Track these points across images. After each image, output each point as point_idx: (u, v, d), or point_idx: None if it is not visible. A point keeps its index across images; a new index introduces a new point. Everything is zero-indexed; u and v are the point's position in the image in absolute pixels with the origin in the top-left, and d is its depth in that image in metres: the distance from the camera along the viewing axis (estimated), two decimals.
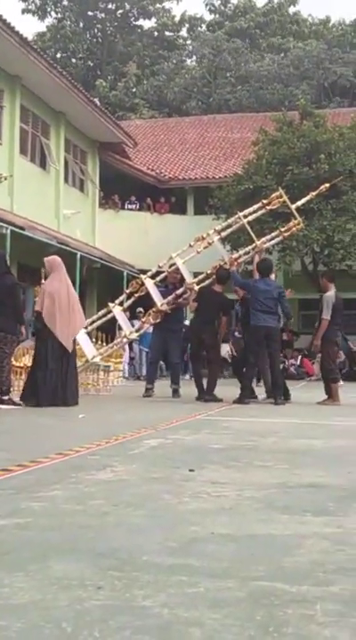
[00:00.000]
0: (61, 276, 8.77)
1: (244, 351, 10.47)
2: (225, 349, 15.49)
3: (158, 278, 11.00)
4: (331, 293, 10.03)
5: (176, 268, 10.76)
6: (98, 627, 1.64)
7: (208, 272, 10.56)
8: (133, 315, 14.29)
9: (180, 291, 10.55)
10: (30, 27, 64.28)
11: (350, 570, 2.13)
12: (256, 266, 10.19)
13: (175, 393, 10.55)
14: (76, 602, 1.80)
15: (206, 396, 9.70)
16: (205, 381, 10.06)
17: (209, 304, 9.96)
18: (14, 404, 8.19)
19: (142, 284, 10.64)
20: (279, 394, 9.53)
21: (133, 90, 41.17)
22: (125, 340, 11.45)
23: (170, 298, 10.51)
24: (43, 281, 9.33)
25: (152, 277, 10.87)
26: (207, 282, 10.47)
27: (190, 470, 3.82)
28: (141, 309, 10.75)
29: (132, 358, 18.05)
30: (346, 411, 8.96)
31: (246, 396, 9.50)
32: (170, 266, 10.92)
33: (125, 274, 20.24)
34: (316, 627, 1.68)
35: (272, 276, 10.28)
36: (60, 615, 1.71)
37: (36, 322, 8.88)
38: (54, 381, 8.35)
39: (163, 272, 11.08)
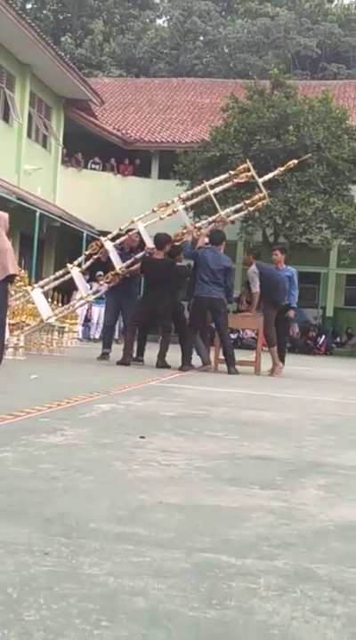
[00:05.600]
0: None
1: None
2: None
3: (118, 241, 10.89)
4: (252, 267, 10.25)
5: (136, 233, 10.65)
6: (43, 593, 1.64)
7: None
8: (92, 277, 14.18)
9: (138, 255, 10.46)
10: None
11: (294, 545, 2.17)
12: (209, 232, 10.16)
13: None
14: (23, 567, 1.80)
15: (159, 361, 9.71)
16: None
17: (156, 273, 9.87)
18: None
19: (102, 246, 10.53)
20: (231, 364, 9.60)
21: (100, 48, 40.32)
22: (81, 301, 11.35)
23: (129, 262, 10.42)
24: None
25: (112, 240, 10.75)
26: (148, 249, 10.25)
27: (141, 437, 3.84)
28: (100, 273, 10.63)
29: (87, 320, 17.95)
30: (297, 383, 9.09)
31: (188, 362, 9.52)
32: (130, 229, 10.79)
33: (84, 234, 20.04)
34: (258, 600, 1.71)
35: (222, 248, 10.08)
36: (6, 580, 1.71)
37: None
38: None
39: (123, 235, 10.95)
